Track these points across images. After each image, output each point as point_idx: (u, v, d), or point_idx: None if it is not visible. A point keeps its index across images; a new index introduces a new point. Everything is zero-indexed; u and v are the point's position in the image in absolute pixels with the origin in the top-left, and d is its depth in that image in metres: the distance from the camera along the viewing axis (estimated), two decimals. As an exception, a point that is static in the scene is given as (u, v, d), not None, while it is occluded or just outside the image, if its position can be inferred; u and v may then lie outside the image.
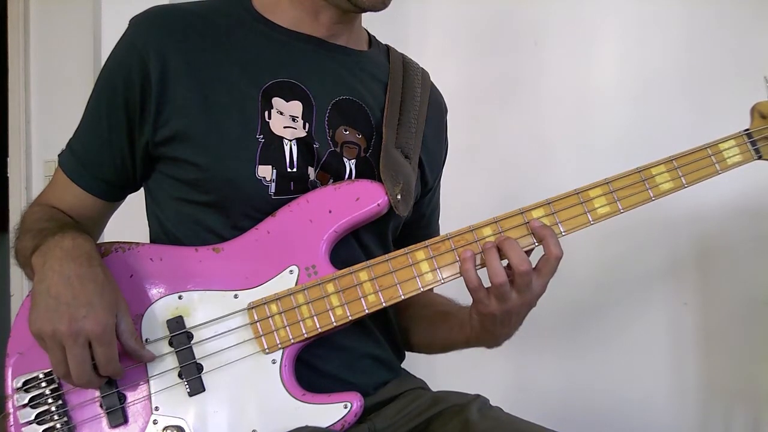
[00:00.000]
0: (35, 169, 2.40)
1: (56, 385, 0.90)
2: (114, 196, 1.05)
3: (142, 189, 1.06)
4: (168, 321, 0.92)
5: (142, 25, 0.97)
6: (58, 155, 1.04)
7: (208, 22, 0.99)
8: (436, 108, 1.14)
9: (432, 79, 1.16)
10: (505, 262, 0.90)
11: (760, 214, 1.57)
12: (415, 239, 0.96)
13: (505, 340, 1.00)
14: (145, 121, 0.95)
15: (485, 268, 0.91)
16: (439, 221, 1.21)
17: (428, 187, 1.11)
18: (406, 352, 1.14)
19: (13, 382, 0.91)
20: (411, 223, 1.09)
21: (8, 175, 2.51)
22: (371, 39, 1.13)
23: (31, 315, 0.85)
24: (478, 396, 1.01)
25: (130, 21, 0.98)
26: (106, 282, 0.87)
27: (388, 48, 1.14)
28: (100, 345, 0.84)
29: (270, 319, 0.92)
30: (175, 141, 0.95)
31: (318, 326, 0.92)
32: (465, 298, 0.98)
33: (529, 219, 0.93)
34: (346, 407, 0.90)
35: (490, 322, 0.95)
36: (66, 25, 2.31)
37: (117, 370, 0.87)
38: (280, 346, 0.91)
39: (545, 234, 0.91)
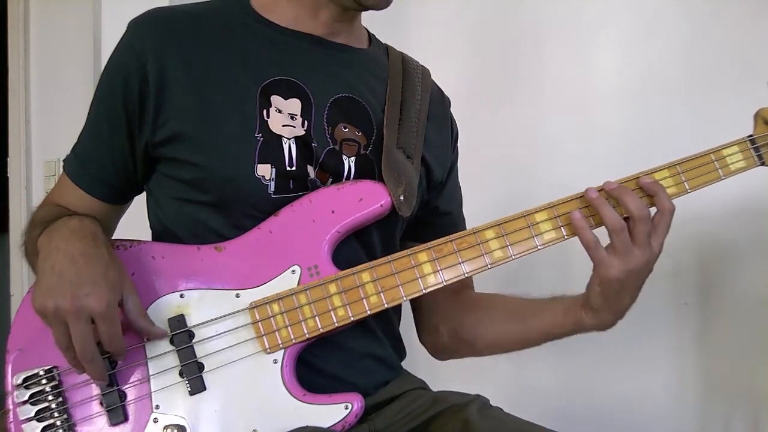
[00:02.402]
0: (35, 169, 2.40)
1: (57, 382, 0.90)
2: (117, 198, 1.05)
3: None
4: (169, 319, 0.92)
5: (140, 27, 0.98)
6: (63, 160, 1.05)
7: (206, 23, 0.99)
8: (438, 103, 1.14)
9: (432, 78, 1.16)
10: None
11: (761, 214, 1.57)
12: (437, 230, 0.98)
13: (620, 318, 0.97)
14: (144, 122, 0.95)
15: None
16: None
17: (436, 183, 1.10)
18: (407, 352, 1.13)
19: (13, 379, 0.91)
20: (427, 217, 1.09)
21: (8, 175, 2.51)
22: (371, 37, 1.13)
23: (34, 292, 0.86)
24: (478, 396, 1.01)
25: (128, 24, 0.98)
26: (111, 262, 0.88)
27: (387, 47, 1.14)
28: (103, 322, 0.84)
29: (272, 318, 0.92)
30: (174, 141, 0.95)
31: (320, 326, 0.92)
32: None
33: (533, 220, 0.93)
34: (347, 408, 0.90)
35: (614, 290, 0.92)
36: (66, 25, 2.31)
37: (120, 347, 0.87)
38: (281, 345, 0.91)
39: (657, 189, 0.92)
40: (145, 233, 1.03)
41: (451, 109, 1.19)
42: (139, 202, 1.07)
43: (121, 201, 1.06)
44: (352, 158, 0.99)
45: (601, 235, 0.92)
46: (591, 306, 0.96)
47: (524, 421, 0.97)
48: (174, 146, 0.95)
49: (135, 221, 1.08)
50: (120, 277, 0.88)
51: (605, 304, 0.94)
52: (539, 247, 0.93)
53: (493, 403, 1.02)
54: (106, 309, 0.84)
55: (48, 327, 0.86)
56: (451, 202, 1.16)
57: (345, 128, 0.99)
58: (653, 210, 0.93)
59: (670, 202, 0.92)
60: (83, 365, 0.86)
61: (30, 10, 2.44)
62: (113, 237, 1.01)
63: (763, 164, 0.98)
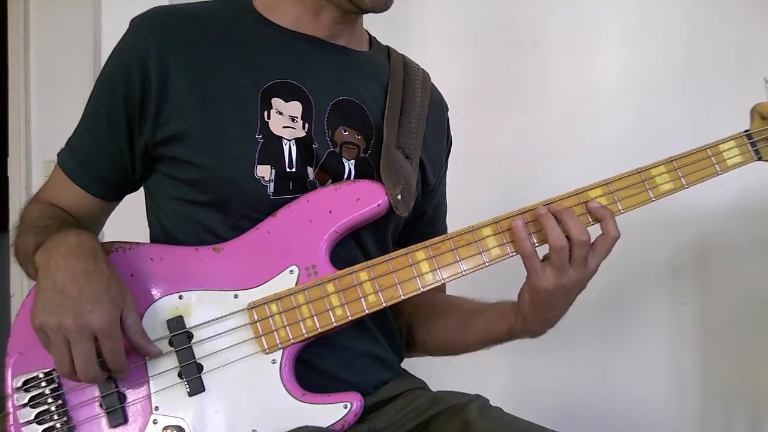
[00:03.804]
0: (35, 169, 2.40)
1: (56, 385, 0.90)
2: (112, 195, 1.05)
3: (141, 189, 1.06)
4: (168, 321, 0.92)
5: (142, 25, 0.97)
6: (58, 153, 1.04)
7: (208, 22, 0.99)
8: (437, 108, 1.14)
9: (432, 79, 1.15)
10: None
11: (760, 213, 1.57)
12: (419, 237, 0.96)
13: (550, 327, 0.99)
14: (144, 121, 0.95)
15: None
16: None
17: (430, 187, 1.11)
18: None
19: (12, 382, 0.91)
20: (413, 222, 1.09)
21: (8, 175, 2.51)
22: (372, 40, 1.13)
23: (34, 308, 0.85)
24: (478, 396, 1.01)
25: (130, 22, 0.98)
26: (112, 278, 0.88)
27: (388, 49, 1.14)
28: (107, 339, 0.84)
29: (270, 319, 0.92)
30: (174, 141, 0.95)
31: (318, 326, 0.92)
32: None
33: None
34: (346, 407, 0.90)
35: (543, 301, 0.93)
36: (66, 25, 2.31)
37: (123, 364, 0.87)
38: (280, 346, 0.91)
39: (605, 214, 0.92)
40: (143, 233, 1.03)
41: (452, 109, 1.19)
42: (138, 202, 1.06)
43: (117, 198, 1.06)
44: (352, 161, 0.99)
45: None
46: (521, 312, 0.97)
47: (524, 421, 0.97)
48: (174, 146, 0.95)
49: (133, 221, 1.08)
50: (120, 293, 0.87)
51: (533, 312, 0.96)
52: (537, 245, 0.93)
53: (493, 403, 1.02)
54: (110, 326, 0.84)
55: (45, 346, 0.86)
56: (437, 210, 1.17)
57: (345, 131, 1.00)
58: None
59: (616, 230, 0.92)
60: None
61: (30, 10, 2.44)
62: (111, 238, 1.01)
63: (760, 159, 0.98)
